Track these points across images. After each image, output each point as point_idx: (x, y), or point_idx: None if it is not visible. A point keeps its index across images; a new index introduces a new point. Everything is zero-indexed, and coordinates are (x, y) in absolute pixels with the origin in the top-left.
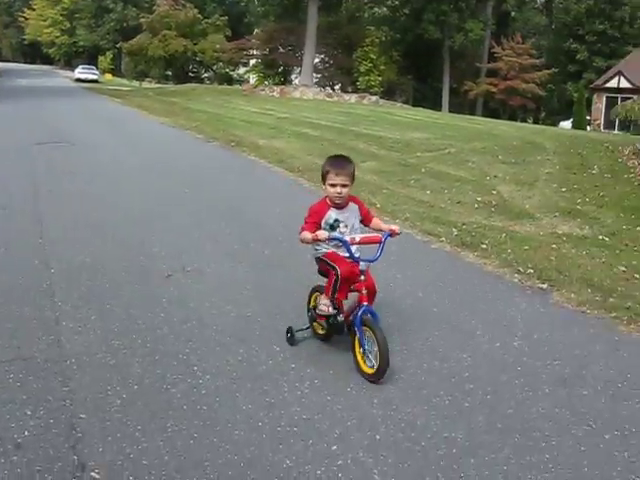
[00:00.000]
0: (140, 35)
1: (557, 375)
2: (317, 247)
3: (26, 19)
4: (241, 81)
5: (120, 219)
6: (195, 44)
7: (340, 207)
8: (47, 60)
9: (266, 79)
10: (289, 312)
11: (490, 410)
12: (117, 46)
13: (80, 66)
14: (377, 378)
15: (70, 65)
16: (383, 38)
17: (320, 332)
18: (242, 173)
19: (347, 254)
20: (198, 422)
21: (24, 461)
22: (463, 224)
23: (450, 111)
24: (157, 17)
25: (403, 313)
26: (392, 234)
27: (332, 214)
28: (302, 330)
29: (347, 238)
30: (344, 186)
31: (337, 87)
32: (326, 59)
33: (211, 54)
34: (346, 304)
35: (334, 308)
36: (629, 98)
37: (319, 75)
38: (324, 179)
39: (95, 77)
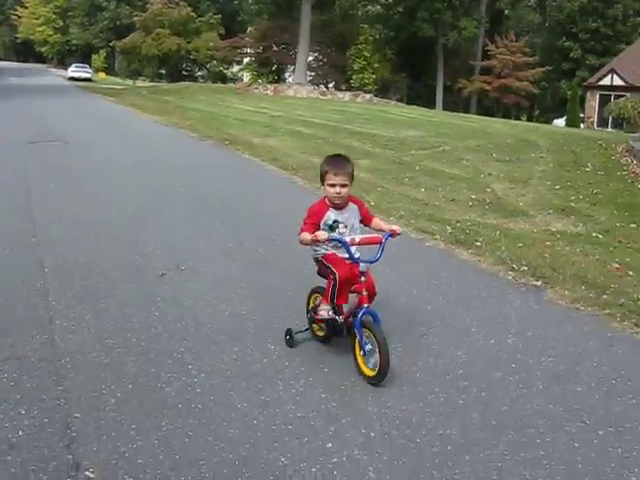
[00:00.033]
0: (133, 33)
1: (551, 372)
2: (316, 248)
3: (19, 17)
4: (235, 79)
5: (114, 217)
6: (189, 42)
7: (339, 207)
8: (40, 59)
9: (260, 77)
10: (283, 310)
11: (484, 407)
12: (110, 45)
13: (73, 65)
14: (378, 380)
15: (63, 64)
16: (377, 36)
17: (319, 334)
18: (236, 171)
19: (347, 255)
20: (193, 421)
21: (18, 461)
22: (457, 222)
23: (444, 109)
24: (150, 15)
25: (397, 311)
26: (393, 234)
27: (331, 215)
28: (301, 332)
29: (347, 239)
30: (343, 186)
31: (331, 85)
32: (320, 57)
33: (205, 52)
34: (346, 306)
35: (334, 313)
36: (622, 96)
37: (313, 73)
38: (323, 179)
39: (88, 76)
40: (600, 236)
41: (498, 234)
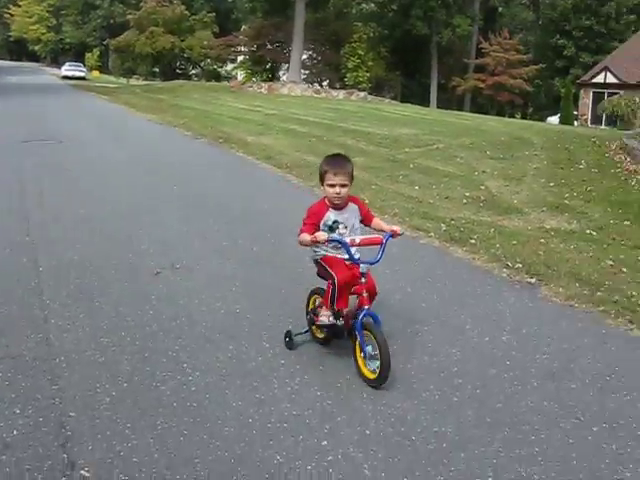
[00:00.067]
0: (127, 32)
1: (546, 369)
2: (316, 249)
3: (12, 15)
4: (229, 78)
5: (108, 216)
6: (182, 41)
7: (339, 208)
8: (33, 57)
9: (254, 76)
10: (278, 308)
11: (479, 404)
12: (104, 43)
13: (67, 63)
14: (379, 383)
15: (57, 62)
16: (371, 34)
17: (319, 336)
18: (230, 169)
19: (347, 256)
20: (188, 419)
21: (13, 460)
22: (452, 219)
23: (438, 107)
24: (144, 14)
25: (392, 309)
26: (394, 235)
27: (331, 215)
28: (301, 334)
29: (347, 240)
30: (343, 186)
31: (325, 83)
32: (314, 55)
33: (199, 51)
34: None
35: (335, 318)
36: (615, 93)
37: (307, 71)
38: (322, 179)
39: (82, 74)
40: (594, 233)
41: (492, 231)
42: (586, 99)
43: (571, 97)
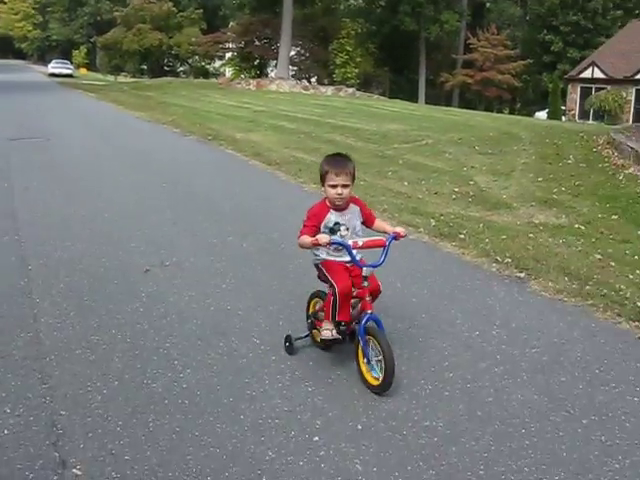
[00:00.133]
0: (114, 29)
1: (535, 362)
2: (316, 252)
3: None
4: (217, 74)
5: (97, 214)
6: (170, 38)
7: (340, 209)
8: (20, 55)
9: (242, 72)
10: (268, 305)
11: (470, 398)
12: (91, 40)
13: (54, 61)
14: (382, 390)
15: (44, 60)
16: (359, 30)
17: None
18: (219, 167)
19: (348, 258)
20: (180, 416)
21: (4, 460)
22: (441, 215)
23: (427, 103)
24: (131, 10)
25: (382, 304)
26: (397, 237)
27: (332, 217)
28: (301, 338)
29: (350, 242)
30: (345, 186)
31: (313, 79)
32: (302, 51)
33: (186, 47)
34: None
35: (338, 332)
36: (603, 88)
37: (295, 68)
38: (323, 180)
39: (69, 72)
40: (582, 228)
41: (481, 226)
42: (573, 94)
43: (559, 92)
